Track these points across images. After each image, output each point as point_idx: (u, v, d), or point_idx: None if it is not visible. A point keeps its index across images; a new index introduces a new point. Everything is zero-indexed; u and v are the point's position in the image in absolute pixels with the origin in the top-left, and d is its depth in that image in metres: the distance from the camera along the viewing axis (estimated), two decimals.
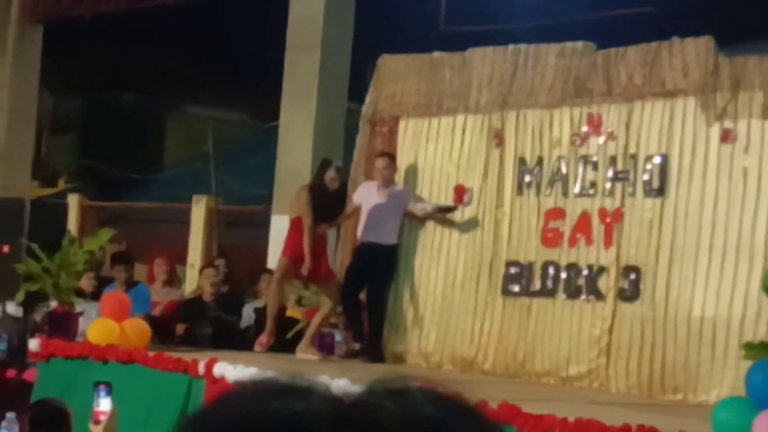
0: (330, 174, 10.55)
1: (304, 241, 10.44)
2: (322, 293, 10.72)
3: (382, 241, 10.89)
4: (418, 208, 10.87)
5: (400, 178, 11.20)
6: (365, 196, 11.00)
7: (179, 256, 15.69)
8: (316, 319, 10.63)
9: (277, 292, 10.78)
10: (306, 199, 10.50)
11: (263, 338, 10.58)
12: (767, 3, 13.62)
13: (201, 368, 8.98)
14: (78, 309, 10.78)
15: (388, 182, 10.92)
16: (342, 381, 8.02)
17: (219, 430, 0.78)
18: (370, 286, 10.95)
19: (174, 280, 13.60)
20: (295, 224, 10.63)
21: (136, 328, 10.26)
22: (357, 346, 10.86)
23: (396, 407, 0.79)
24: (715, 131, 9.17)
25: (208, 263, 13.43)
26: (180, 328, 11.75)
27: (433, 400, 0.81)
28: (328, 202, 10.57)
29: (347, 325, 11.14)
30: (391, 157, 11.07)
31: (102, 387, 6.17)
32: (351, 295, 10.90)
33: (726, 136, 9.10)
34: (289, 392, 0.79)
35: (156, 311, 12.05)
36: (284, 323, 11.13)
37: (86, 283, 11.64)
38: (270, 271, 11.99)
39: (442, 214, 10.85)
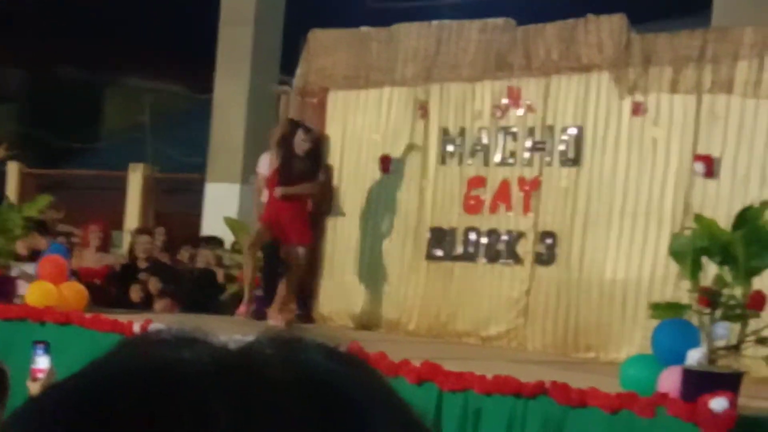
0: (298, 136, 10.20)
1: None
2: (290, 255, 10.24)
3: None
4: None
5: (329, 147, 11.16)
6: (268, 164, 10.90)
7: (117, 223, 15.55)
8: (282, 285, 10.32)
9: (250, 259, 10.28)
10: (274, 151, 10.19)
11: (243, 308, 10.21)
12: None
13: (136, 328, 8.92)
14: (14, 272, 10.64)
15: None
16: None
17: (104, 377, 0.77)
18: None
19: (107, 245, 13.47)
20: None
21: (74, 291, 10.16)
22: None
23: (278, 353, 0.79)
24: (627, 104, 9.24)
25: (140, 229, 13.27)
26: (154, 287, 11.60)
27: (318, 349, 0.81)
28: (299, 165, 10.16)
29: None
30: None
31: (39, 345, 6.11)
32: (268, 261, 10.87)
33: (637, 109, 9.18)
34: (179, 342, 0.78)
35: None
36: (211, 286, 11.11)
37: (22, 245, 11.48)
38: (193, 241, 11.98)
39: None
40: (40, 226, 12.32)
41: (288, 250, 10.19)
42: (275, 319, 9.92)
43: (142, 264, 11.94)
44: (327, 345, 0.83)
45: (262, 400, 0.74)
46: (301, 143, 10.17)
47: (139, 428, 0.72)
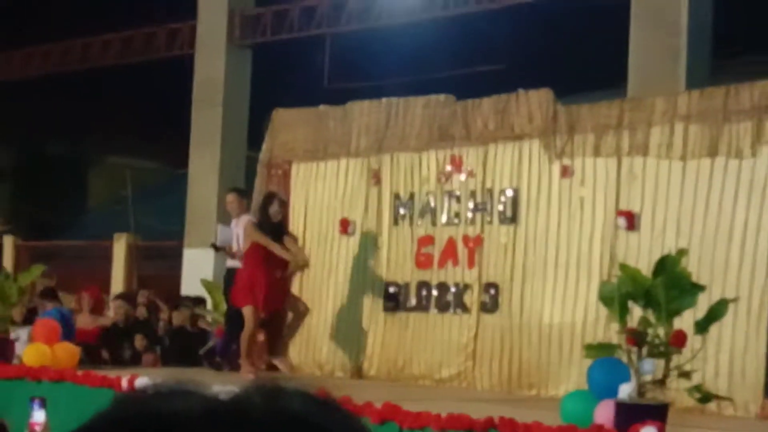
0: (274, 207, 10.01)
1: (275, 249, 9.79)
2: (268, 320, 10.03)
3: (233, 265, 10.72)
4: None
5: (293, 213, 11.13)
6: (225, 235, 10.78)
7: (105, 287, 15.41)
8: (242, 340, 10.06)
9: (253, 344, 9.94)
10: (256, 229, 9.87)
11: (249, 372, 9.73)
12: (596, 62, 13.94)
13: (124, 383, 8.82)
14: (12, 336, 10.52)
15: (237, 214, 10.66)
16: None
17: (106, 429, 0.77)
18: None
19: (101, 308, 13.36)
20: (248, 261, 9.93)
21: (66, 351, 10.05)
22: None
23: (264, 402, 0.79)
24: (556, 167, 9.30)
25: (117, 296, 13.21)
26: (140, 344, 11.44)
27: (300, 396, 0.82)
28: (273, 234, 9.95)
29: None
30: (239, 192, 10.93)
31: (37, 401, 6.04)
32: (235, 315, 10.78)
33: (565, 172, 9.25)
34: (173, 394, 0.78)
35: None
36: (194, 338, 11.01)
37: (17, 312, 11.36)
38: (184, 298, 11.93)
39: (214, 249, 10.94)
40: (49, 293, 12.27)
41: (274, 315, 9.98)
42: (246, 372, 9.76)
43: (122, 325, 11.88)
44: (306, 391, 0.83)
45: None
46: (275, 215, 10.01)
47: None
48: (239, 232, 10.36)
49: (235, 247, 10.39)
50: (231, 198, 10.73)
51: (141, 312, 12.57)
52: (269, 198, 10.15)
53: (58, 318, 10.83)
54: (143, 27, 16.65)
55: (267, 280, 9.79)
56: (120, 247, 16.03)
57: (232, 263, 10.66)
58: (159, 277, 15.14)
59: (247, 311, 9.75)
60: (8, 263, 15.88)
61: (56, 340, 10.14)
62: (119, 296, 13.00)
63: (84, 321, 12.25)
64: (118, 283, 15.63)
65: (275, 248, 9.81)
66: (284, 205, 10.20)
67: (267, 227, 9.91)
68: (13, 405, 8.82)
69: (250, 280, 9.78)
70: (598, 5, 12.77)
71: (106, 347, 11.54)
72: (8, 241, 17.02)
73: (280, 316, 10.14)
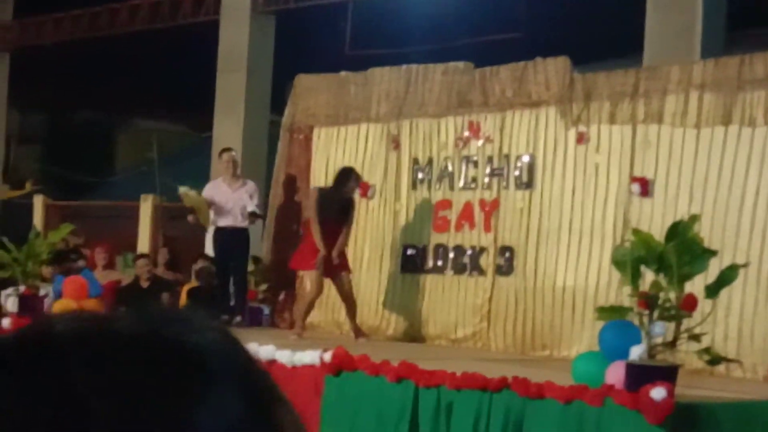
0: (351, 183, 9.82)
1: (315, 237, 9.67)
2: (336, 286, 9.87)
3: (236, 224, 10.74)
4: (247, 204, 10.74)
5: (314, 177, 11.13)
6: (214, 191, 10.85)
7: (131, 246, 15.47)
8: (301, 302, 10.13)
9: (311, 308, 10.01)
10: (317, 204, 9.75)
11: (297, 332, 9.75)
12: (613, 31, 13.82)
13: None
14: (42, 292, 10.58)
15: (234, 174, 10.82)
16: (269, 347, 8.01)
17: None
18: (232, 263, 10.81)
19: (113, 264, 13.54)
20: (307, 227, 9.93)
21: (93, 308, 10.09)
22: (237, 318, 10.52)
23: (136, 319, 0.77)
24: (572, 134, 9.25)
25: (139, 255, 13.25)
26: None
27: (184, 323, 0.78)
28: (339, 207, 9.77)
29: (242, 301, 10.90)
30: (229, 153, 11.01)
31: None
32: (222, 273, 10.78)
33: (581, 138, 9.19)
34: (59, 318, 0.77)
35: None
36: (208, 296, 11.06)
37: (46, 270, 11.42)
38: (204, 255, 11.93)
39: (252, 218, 10.80)
40: (73, 253, 12.33)
41: (338, 279, 9.84)
42: (296, 332, 9.74)
43: (144, 283, 11.93)
44: (208, 322, 0.78)
45: (115, 357, 0.72)
46: (351, 189, 9.86)
47: (7, 401, 0.71)
48: (241, 194, 10.55)
49: (218, 207, 10.56)
50: (233, 156, 10.88)
51: (162, 271, 12.62)
52: (347, 173, 9.91)
53: (89, 277, 10.90)
54: None
55: (329, 248, 9.70)
56: (146, 208, 16.07)
57: (225, 222, 10.70)
58: (183, 238, 15.17)
59: (313, 275, 9.74)
60: (38, 222, 15.94)
61: (84, 296, 10.19)
62: (140, 255, 13.04)
63: (98, 276, 12.32)
64: (144, 242, 15.69)
65: (316, 233, 9.69)
66: (359, 182, 9.98)
67: (336, 199, 9.75)
68: None
69: (315, 247, 9.69)
70: None
71: (125, 304, 11.61)
72: (38, 200, 17.09)
73: (344, 283, 9.93)
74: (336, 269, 9.80)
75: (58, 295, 10.45)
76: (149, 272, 12.09)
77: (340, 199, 9.79)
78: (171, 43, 17.40)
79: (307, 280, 10.10)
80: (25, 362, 0.73)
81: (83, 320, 0.75)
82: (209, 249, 11.77)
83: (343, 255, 9.85)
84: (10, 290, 10.51)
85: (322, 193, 9.90)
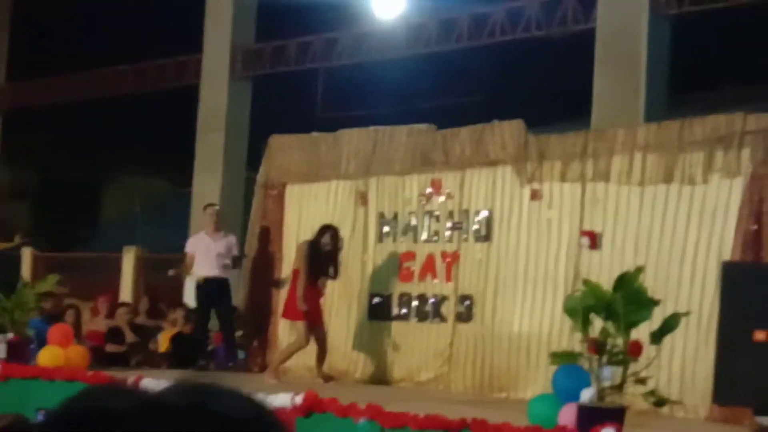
0: (325, 238, 9.86)
1: (297, 287, 9.68)
2: (313, 333, 9.78)
3: (218, 274, 10.73)
4: (231, 251, 10.90)
5: (287, 230, 11.11)
6: (198, 243, 10.89)
7: (114, 295, 15.33)
8: (285, 350, 10.04)
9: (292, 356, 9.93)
10: (306, 253, 9.81)
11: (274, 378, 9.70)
12: (563, 96, 13.99)
13: (129, 383, 8.74)
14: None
15: (217, 227, 10.88)
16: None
17: (51, 421, 0.78)
18: (218, 311, 10.80)
19: (113, 314, 13.33)
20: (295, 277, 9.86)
21: (78, 353, 9.98)
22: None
23: (185, 397, 0.79)
24: (527, 191, 9.30)
25: (120, 303, 13.14)
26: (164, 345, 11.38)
27: (222, 394, 0.81)
28: (323, 260, 9.87)
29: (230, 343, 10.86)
30: (213, 208, 11.17)
31: (42, 412, 5.96)
32: (203, 321, 10.76)
33: (535, 195, 9.25)
34: (111, 393, 0.79)
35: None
36: (190, 342, 10.97)
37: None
38: (182, 304, 11.91)
39: (237, 262, 10.94)
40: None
41: (315, 326, 9.79)
42: (270, 378, 9.69)
43: (126, 330, 11.83)
44: (231, 390, 0.82)
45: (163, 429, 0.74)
46: (325, 244, 9.87)
47: None
48: (223, 246, 10.67)
49: (201, 258, 10.63)
50: (217, 211, 11.03)
51: (142, 319, 12.52)
52: (324, 229, 9.98)
53: (39, 326, 10.74)
54: (154, 59, 16.66)
55: (315, 298, 9.77)
56: (128, 259, 15.94)
57: (207, 272, 10.70)
58: (163, 287, 15.05)
59: (301, 326, 9.71)
60: (26, 272, 15.78)
61: (70, 343, 10.06)
62: (122, 304, 12.97)
63: (100, 324, 12.21)
64: (126, 291, 15.54)
65: (301, 279, 9.72)
66: (336, 237, 10.00)
67: (317, 253, 9.83)
68: (28, 403, 8.73)
69: (303, 297, 9.67)
70: (564, 45, 12.81)
71: (111, 342, 11.51)
72: (27, 252, 16.93)
73: (322, 332, 9.92)
74: (316, 320, 9.82)
75: (42, 342, 10.31)
76: (130, 320, 12.00)
77: (320, 253, 9.85)
78: (155, 105, 17.43)
79: (293, 329, 10.02)
80: None
81: (132, 397, 0.77)
82: (188, 298, 11.69)
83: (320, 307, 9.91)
84: None
85: (312, 246, 9.90)
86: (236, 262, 10.97)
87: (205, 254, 10.75)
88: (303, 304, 9.65)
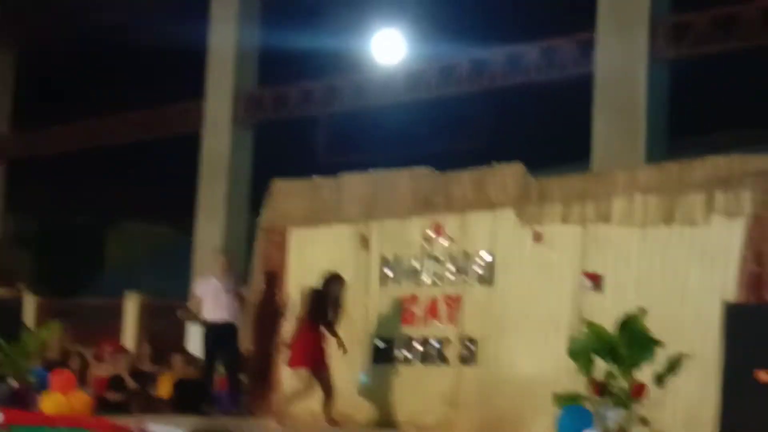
0: (335, 288, 9.91)
1: (293, 331, 9.77)
2: (317, 378, 9.79)
3: (225, 318, 10.75)
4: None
5: (290, 274, 11.12)
6: (206, 286, 10.94)
7: (118, 341, 15.30)
8: (290, 395, 9.98)
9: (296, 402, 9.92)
10: (309, 300, 9.85)
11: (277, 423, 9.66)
12: (564, 140, 14.07)
13: (133, 429, 8.71)
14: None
15: (225, 272, 10.96)
16: None
17: None
18: (225, 356, 10.79)
19: (119, 360, 13.30)
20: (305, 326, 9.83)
21: (80, 400, 9.94)
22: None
23: None
24: (528, 234, 9.32)
25: (119, 349, 13.13)
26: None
27: None
28: (328, 307, 9.90)
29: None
30: (224, 253, 11.31)
31: None
32: (209, 365, 10.73)
33: (536, 237, 9.26)
34: None
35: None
36: (193, 387, 10.93)
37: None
38: (182, 349, 11.91)
39: (240, 297, 11.01)
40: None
41: (321, 373, 9.82)
42: (276, 423, 9.69)
43: (126, 377, 11.78)
44: None
45: None
46: (333, 291, 9.92)
47: None
48: (225, 290, 10.72)
49: (210, 302, 10.67)
50: (226, 258, 11.12)
51: (147, 365, 12.47)
52: (334, 278, 9.99)
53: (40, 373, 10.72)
54: (157, 106, 16.78)
55: (318, 344, 9.77)
56: (131, 305, 15.95)
57: (215, 316, 10.73)
58: (166, 333, 15.04)
59: (304, 373, 9.72)
60: (29, 319, 15.77)
61: (72, 389, 10.03)
62: (120, 350, 12.95)
63: (105, 370, 12.17)
64: (129, 337, 15.53)
65: (303, 325, 9.77)
66: (342, 287, 10.00)
67: (323, 299, 9.87)
68: None
69: (307, 344, 9.72)
70: (564, 90, 12.92)
71: (113, 390, 11.45)
72: (30, 299, 16.94)
73: (327, 377, 9.92)
74: (320, 365, 9.81)
75: (44, 388, 10.28)
76: (132, 367, 11.96)
77: (326, 299, 9.88)
78: (158, 151, 17.53)
79: (299, 377, 9.95)
80: None
81: None
82: (192, 343, 11.67)
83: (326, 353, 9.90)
84: (1, 385, 10.34)
85: (317, 294, 9.92)
86: (240, 297, 11.03)
87: (215, 298, 10.79)
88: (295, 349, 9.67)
